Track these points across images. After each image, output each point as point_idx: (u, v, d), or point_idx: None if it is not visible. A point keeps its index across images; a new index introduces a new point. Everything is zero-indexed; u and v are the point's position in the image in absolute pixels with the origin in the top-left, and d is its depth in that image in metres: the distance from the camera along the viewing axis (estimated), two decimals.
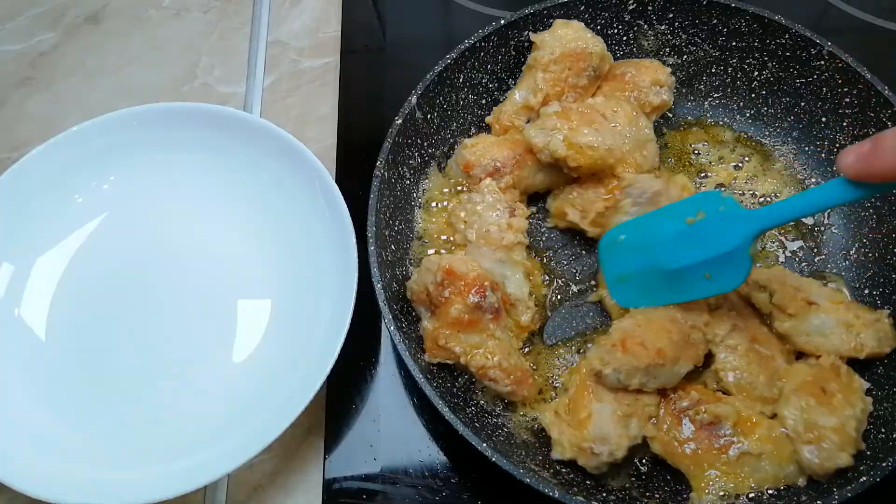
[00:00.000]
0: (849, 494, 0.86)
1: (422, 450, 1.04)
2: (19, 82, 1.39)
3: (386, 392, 1.09)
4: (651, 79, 1.17)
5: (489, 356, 0.98)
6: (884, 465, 0.87)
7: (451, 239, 1.13)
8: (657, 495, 0.95)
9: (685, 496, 0.95)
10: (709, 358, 1.02)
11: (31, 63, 1.42)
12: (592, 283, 1.14)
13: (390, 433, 1.06)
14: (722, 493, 0.93)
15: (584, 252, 1.17)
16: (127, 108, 1.18)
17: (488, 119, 1.21)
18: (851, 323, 1.00)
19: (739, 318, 1.02)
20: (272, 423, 0.96)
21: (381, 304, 0.98)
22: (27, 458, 0.97)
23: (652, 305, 1.01)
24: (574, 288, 1.14)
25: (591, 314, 1.12)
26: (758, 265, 1.11)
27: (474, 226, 1.09)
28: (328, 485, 1.03)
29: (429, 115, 1.17)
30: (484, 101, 1.25)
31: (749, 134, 1.25)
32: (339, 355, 0.99)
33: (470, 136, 1.19)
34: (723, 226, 0.94)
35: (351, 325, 1.00)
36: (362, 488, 1.02)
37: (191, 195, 1.20)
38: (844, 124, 1.15)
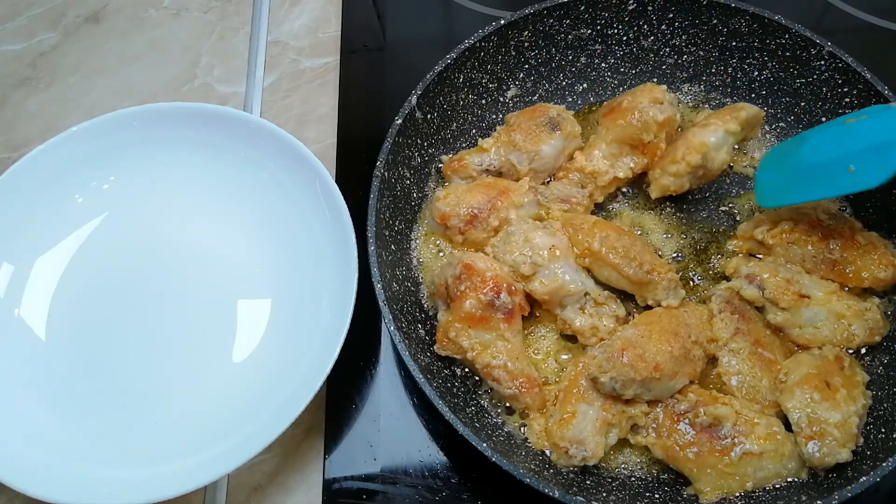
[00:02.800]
0: (849, 494, 0.86)
1: (422, 450, 1.05)
2: (19, 82, 1.40)
3: (386, 392, 1.09)
4: (649, 98, 1.15)
5: (496, 356, 0.99)
6: (884, 464, 0.88)
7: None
8: (657, 496, 0.95)
9: (685, 496, 0.95)
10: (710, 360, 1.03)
11: (32, 63, 1.42)
12: None
13: (390, 433, 1.06)
14: (725, 493, 0.93)
15: None
16: (127, 107, 1.19)
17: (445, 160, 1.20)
18: (843, 314, 1.01)
19: (743, 322, 1.02)
20: (272, 422, 0.97)
21: (380, 303, 0.98)
22: (27, 457, 0.97)
23: (791, 203, 1.01)
24: None
25: None
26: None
27: (528, 255, 1.04)
28: (328, 485, 1.03)
29: (429, 115, 1.17)
30: (484, 101, 1.25)
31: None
32: (340, 355, 0.99)
33: (441, 187, 1.16)
34: (882, 118, 0.91)
35: (351, 325, 1.00)
36: (362, 488, 1.02)
37: (190, 195, 1.20)
38: None
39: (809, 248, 1.05)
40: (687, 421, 0.95)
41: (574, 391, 0.98)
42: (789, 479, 0.94)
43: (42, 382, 1.06)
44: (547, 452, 0.98)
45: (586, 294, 1.05)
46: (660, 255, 1.13)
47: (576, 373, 0.99)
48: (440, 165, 1.20)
